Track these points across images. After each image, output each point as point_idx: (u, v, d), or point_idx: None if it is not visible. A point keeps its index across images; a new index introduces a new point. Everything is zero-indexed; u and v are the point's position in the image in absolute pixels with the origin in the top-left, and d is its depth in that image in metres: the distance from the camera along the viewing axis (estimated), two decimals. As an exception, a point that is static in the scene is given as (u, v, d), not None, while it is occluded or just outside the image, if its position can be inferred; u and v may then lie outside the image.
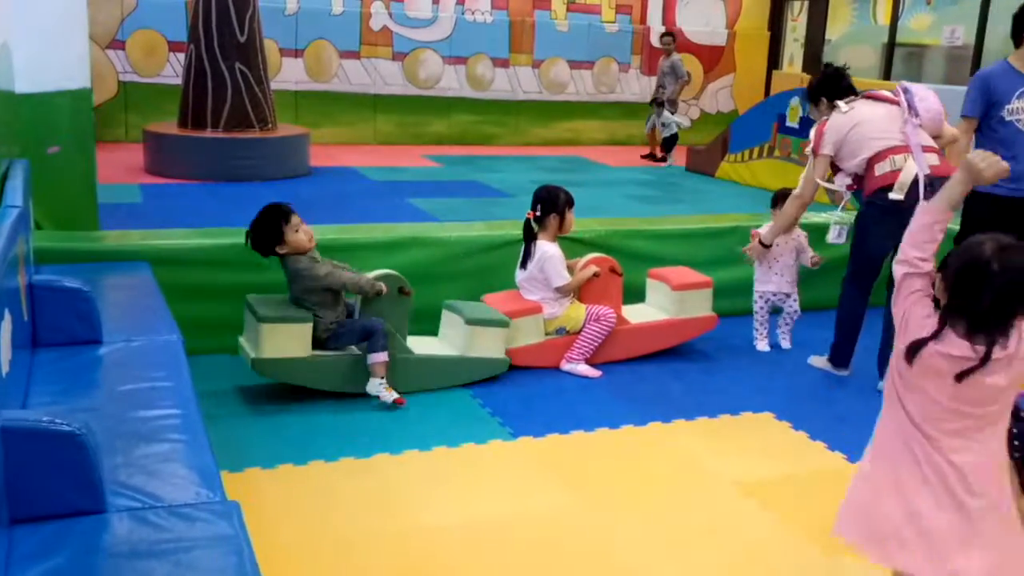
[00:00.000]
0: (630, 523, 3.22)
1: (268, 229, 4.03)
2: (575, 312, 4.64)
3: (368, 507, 3.24)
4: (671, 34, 12.16)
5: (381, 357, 4.06)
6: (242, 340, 4.16)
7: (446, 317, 4.55)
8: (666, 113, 11.60)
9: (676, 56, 11.90)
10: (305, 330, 4.03)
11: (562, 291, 4.61)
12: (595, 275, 4.67)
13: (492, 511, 3.27)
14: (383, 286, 4.11)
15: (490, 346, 4.41)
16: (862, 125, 4.56)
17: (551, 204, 4.65)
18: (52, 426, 2.10)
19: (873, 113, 4.60)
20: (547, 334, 4.65)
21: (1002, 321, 2.11)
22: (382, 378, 4.07)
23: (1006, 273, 2.08)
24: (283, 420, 3.92)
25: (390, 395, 4.06)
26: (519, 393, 4.34)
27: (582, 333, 4.62)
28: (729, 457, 3.78)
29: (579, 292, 4.71)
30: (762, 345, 5.16)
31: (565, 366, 4.62)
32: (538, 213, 4.65)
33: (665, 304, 4.95)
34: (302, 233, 4.04)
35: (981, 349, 2.11)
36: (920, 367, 2.19)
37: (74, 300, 3.33)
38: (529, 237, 4.67)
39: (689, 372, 4.73)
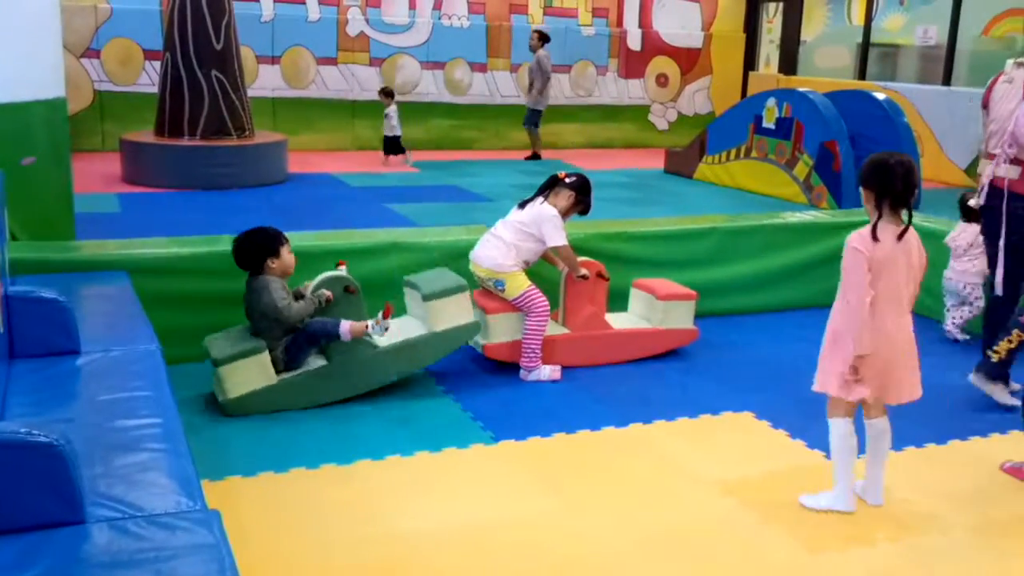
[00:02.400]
0: (612, 524, 3.23)
1: (266, 246, 4.05)
2: (520, 279, 4.56)
3: (350, 514, 3.23)
4: (539, 31, 12.09)
5: (346, 326, 4.05)
6: (213, 382, 4.14)
7: (408, 294, 4.53)
8: (393, 107, 11.26)
9: (541, 52, 11.80)
10: (263, 359, 4.00)
11: (561, 252, 4.60)
12: (583, 277, 4.68)
13: (475, 515, 3.27)
14: (329, 294, 4.11)
15: (455, 314, 4.34)
16: (992, 103, 4.22)
17: (581, 189, 4.69)
18: (29, 437, 2.08)
19: (1010, 92, 4.12)
20: (482, 281, 4.63)
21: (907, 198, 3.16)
22: (367, 327, 4.06)
23: (902, 166, 3.16)
24: (264, 428, 3.91)
25: (385, 322, 4.06)
26: (500, 397, 4.35)
27: (523, 339, 4.57)
28: (710, 457, 3.80)
29: (565, 287, 4.74)
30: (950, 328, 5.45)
31: (527, 377, 4.58)
32: (567, 180, 4.68)
33: (648, 314, 4.97)
34: (291, 257, 4.11)
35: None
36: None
37: (51, 310, 3.31)
38: (544, 190, 4.69)
39: (669, 373, 4.74)
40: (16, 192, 4.58)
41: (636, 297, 5.09)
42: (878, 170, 3.17)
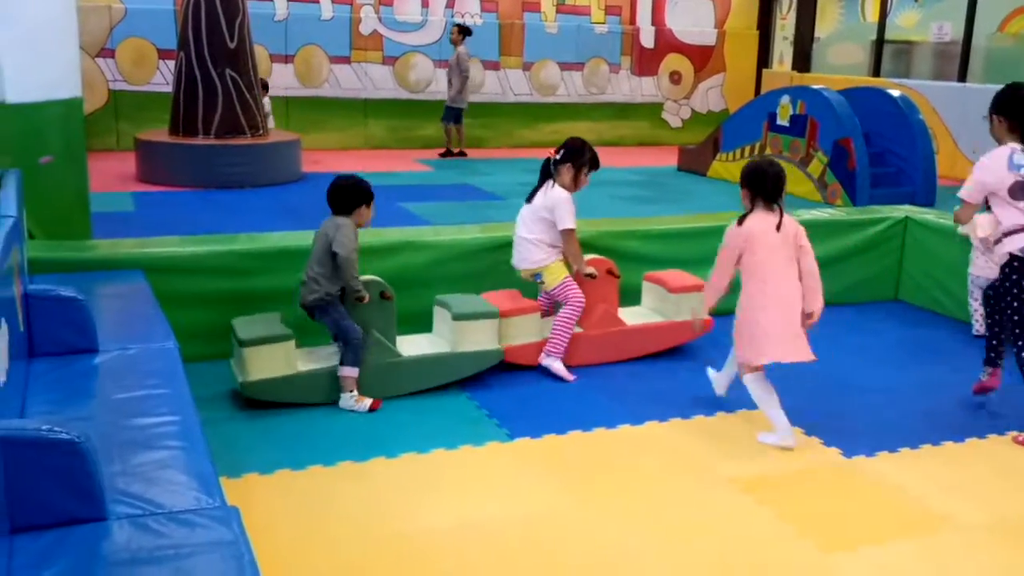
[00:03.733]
0: (626, 524, 3.23)
1: (365, 193, 4.22)
2: (556, 271, 4.61)
3: (367, 511, 3.24)
4: (459, 25, 11.76)
5: (351, 372, 4.07)
6: (232, 363, 4.17)
7: (437, 313, 4.56)
8: (267, 99, 10.91)
9: (460, 48, 11.56)
10: (288, 348, 4.04)
11: (567, 236, 4.59)
12: (591, 276, 4.67)
13: (491, 513, 3.28)
14: (366, 294, 4.13)
15: (480, 338, 4.40)
16: None
17: (573, 154, 4.65)
18: (51, 434, 2.10)
19: None
20: (523, 278, 4.66)
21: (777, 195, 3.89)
22: (352, 391, 4.08)
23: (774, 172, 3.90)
24: (281, 425, 3.92)
25: (363, 404, 4.08)
26: (516, 395, 4.35)
27: (554, 325, 4.59)
28: (726, 454, 3.80)
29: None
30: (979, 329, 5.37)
31: (544, 360, 4.60)
32: (558, 156, 4.65)
33: (661, 307, 4.97)
34: (371, 213, 4.28)
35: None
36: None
37: (69, 309, 3.33)
38: (544, 176, 4.69)
39: (684, 371, 4.74)
40: (33, 191, 4.61)
41: (648, 290, 5.08)
42: (754, 174, 3.91)
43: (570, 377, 4.57)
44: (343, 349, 4.08)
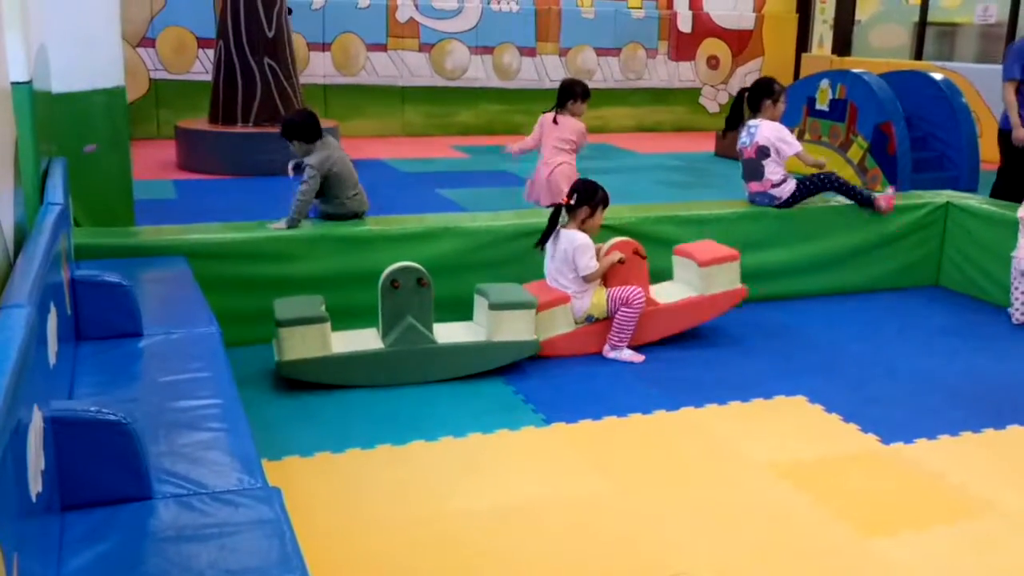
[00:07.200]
0: (663, 507, 3.25)
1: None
2: (598, 298, 4.65)
3: (406, 494, 3.28)
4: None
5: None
6: (274, 343, 4.24)
7: (477, 301, 4.58)
8: None
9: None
10: (323, 330, 4.10)
11: (588, 279, 4.63)
12: (620, 261, 4.67)
13: (526, 496, 3.31)
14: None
15: (517, 329, 4.41)
16: None
17: (587, 196, 4.66)
18: (99, 415, 2.16)
19: None
20: (576, 323, 4.68)
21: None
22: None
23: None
24: (320, 409, 3.98)
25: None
26: (552, 380, 4.37)
27: (616, 319, 4.62)
28: (762, 441, 3.79)
29: (604, 278, 4.73)
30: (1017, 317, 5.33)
31: (609, 354, 4.63)
32: (572, 202, 4.66)
33: (693, 280, 4.93)
34: None
35: None
36: None
37: (114, 294, 3.39)
38: (554, 223, 4.70)
39: (721, 357, 4.73)
40: (78, 179, 4.70)
41: (679, 264, 5.05)
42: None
43: (640, 357, 4.62)
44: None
